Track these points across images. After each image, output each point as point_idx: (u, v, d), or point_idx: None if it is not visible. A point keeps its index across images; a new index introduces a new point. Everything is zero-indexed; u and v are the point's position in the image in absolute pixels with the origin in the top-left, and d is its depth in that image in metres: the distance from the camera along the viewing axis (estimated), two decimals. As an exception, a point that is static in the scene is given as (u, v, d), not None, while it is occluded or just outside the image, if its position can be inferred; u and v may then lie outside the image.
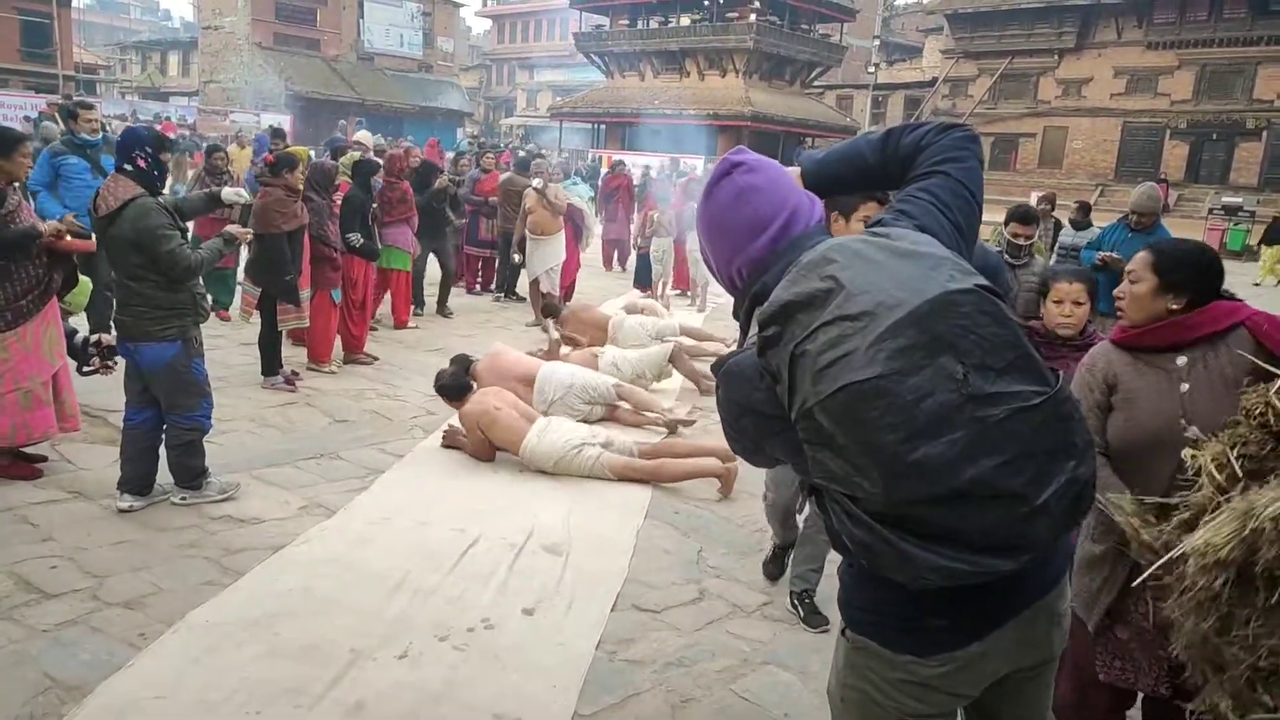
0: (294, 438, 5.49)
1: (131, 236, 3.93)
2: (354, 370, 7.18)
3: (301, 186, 6.43)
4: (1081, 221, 8.43)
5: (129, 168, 4.03)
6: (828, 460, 1.32)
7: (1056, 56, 35.31)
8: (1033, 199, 19.83)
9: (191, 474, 4.30)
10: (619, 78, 40.81)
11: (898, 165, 1.63)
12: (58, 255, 4.49)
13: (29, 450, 4.63)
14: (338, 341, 7.25)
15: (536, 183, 9.22)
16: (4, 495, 4.25)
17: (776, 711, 2.98)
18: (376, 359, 7.48)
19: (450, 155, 15.92)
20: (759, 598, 3.77)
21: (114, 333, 4.48)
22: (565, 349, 7.51)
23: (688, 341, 7.97)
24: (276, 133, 10.80)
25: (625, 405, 6.10)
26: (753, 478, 4.64)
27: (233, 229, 4.47)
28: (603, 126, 40.90)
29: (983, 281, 1.35)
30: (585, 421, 5.77)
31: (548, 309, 8.11)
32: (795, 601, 3.64)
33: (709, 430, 5.92)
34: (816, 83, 41.14)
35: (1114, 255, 6.33)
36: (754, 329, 1.46)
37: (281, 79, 39.95)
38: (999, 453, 1.24)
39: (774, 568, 3.98)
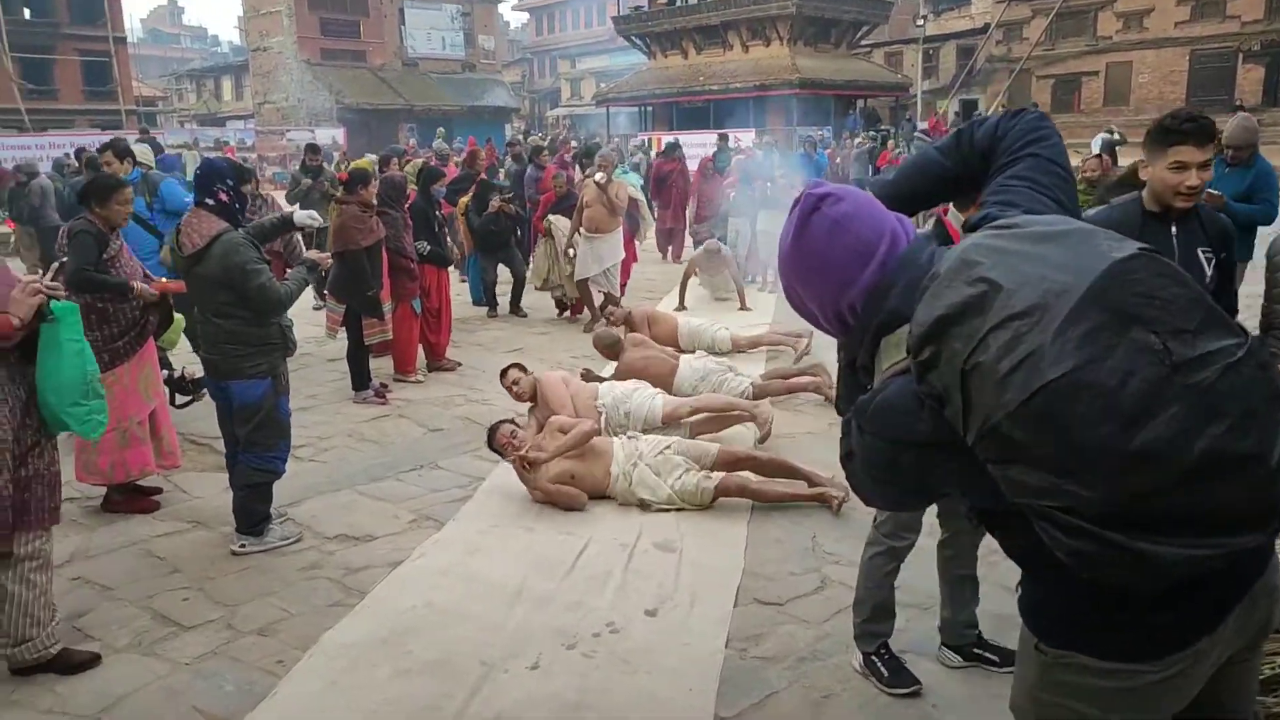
0: (391, 450, 5.55)
1: (219, 274, 3.84)
2: (439, 378, 7.24)
3: (375, 201, 6.49)
4: None
5: (210, 202, 3.95)
6: (1023, 475, 1.22)
7: (1115, -11, 33.94)
8: (1095, 145, 19.07)
9: (254, 519, 4.12)
10: (661, 58, 40.47)
11: (978, 162, 1.57)
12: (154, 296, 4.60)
13: (145, 484, 4.77)
14: (421, 351, 7.33)
15: (599, 176, 8.63)
16: (128, 530, 4.37)
17: (923, 703, 2.90)
18: (459, 364, 7.54)
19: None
20: (883, 582, 3.67)
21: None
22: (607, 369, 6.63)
23: (764, 345, 7.51)
24: (312, 148, 10.62)
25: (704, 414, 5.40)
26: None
27: (313, 255, 4.45)
28: (649, 108, 40.65)
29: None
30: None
31: (602, 340, 6.72)
32: (874, 659, 3.03)
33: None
34: (864, 42, 40.24)
35: (1214, 192, 6.02)
36: (886, 360, 1.39)
37: (331, 93, 40.59)
38: (1223, 417, 1.14)
39: (906, 674, 3.00)
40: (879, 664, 3.00)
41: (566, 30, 59.10)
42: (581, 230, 8.60)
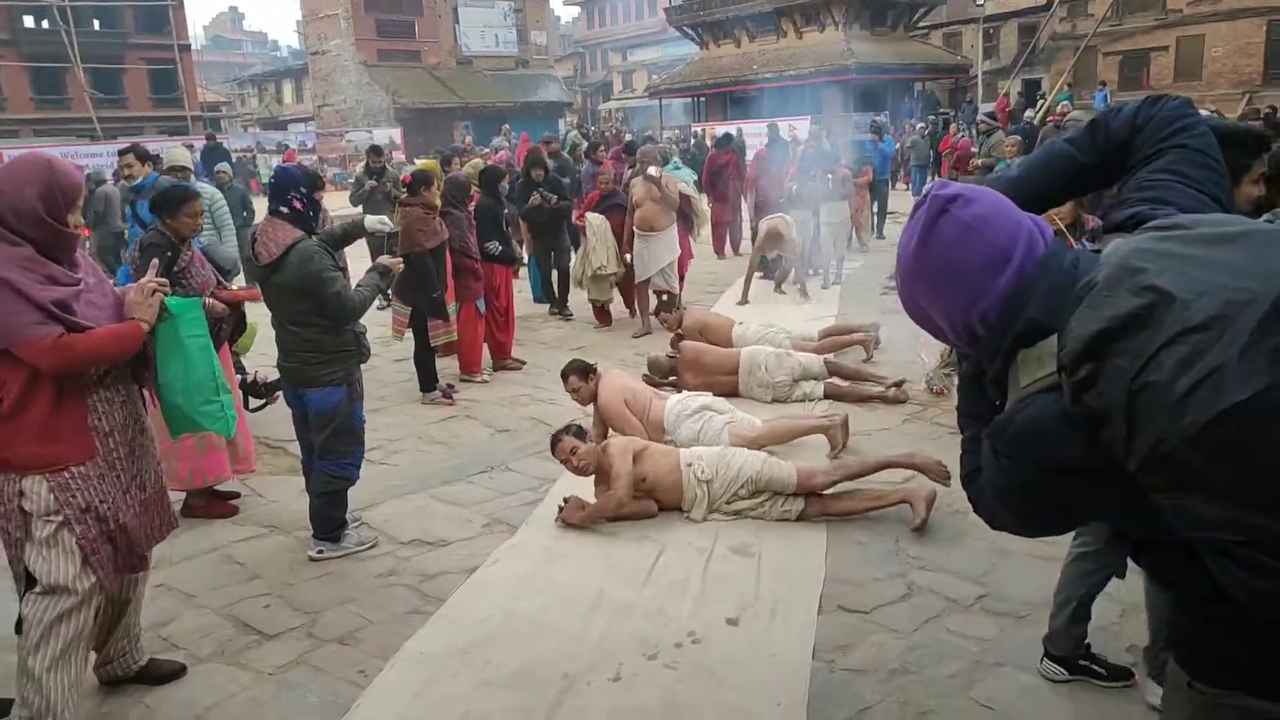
0: (461, 452, 5.54)
1: (296, 283, 3.84)
2: (505, 378, 7.23)
3: (439, 203, 6.49)
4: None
5: (285, 210, 3.93)
6: (1199, 506, 1.10)
7: (1185, -41, 32.65)
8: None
9: (331, 525, 4.13)
10: (714, 47, 40.14)
11: (1115, 155, 1.45)
12: (226, 304, 4.63)
13: (222, 488, 4.82)
14: (486, 350, 7.33)
15: (653, 170, 8.32)
16: (208, 535, 4.42)
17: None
18: (524, 363, 7.52)
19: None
20: (973, 589, 3.53)
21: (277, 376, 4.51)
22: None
23: (829, 351, 6.91)
24: (375, 149, 10.66)
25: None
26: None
27: (385, 260, 4.41)
28: (703, 99, 40.37)
29: None
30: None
31: (653, 367, 6.69)
32: (1084, 661, 2.94)
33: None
34: (921, 24, 39.38)
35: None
36: (1025, 376, 1.26)
37: (388, 93, 41.15)
38: None
39: (1120, 667, 2.96)
40: (1092, 665, 2.92)
41: (618, 23, 58.97)
42: (635, 230, 8.31)
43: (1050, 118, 16.75)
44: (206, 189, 6.78)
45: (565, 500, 4.38)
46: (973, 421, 1.46)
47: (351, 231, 4.57)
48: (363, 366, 4.25)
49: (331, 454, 4.05)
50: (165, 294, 2.90)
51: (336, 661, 3.26)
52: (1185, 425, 1.05)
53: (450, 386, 6.76)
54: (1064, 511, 1.33)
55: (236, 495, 4.87)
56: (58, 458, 2.65)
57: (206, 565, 4.10)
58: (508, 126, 22.94)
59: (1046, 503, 1.30)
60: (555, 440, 4.52)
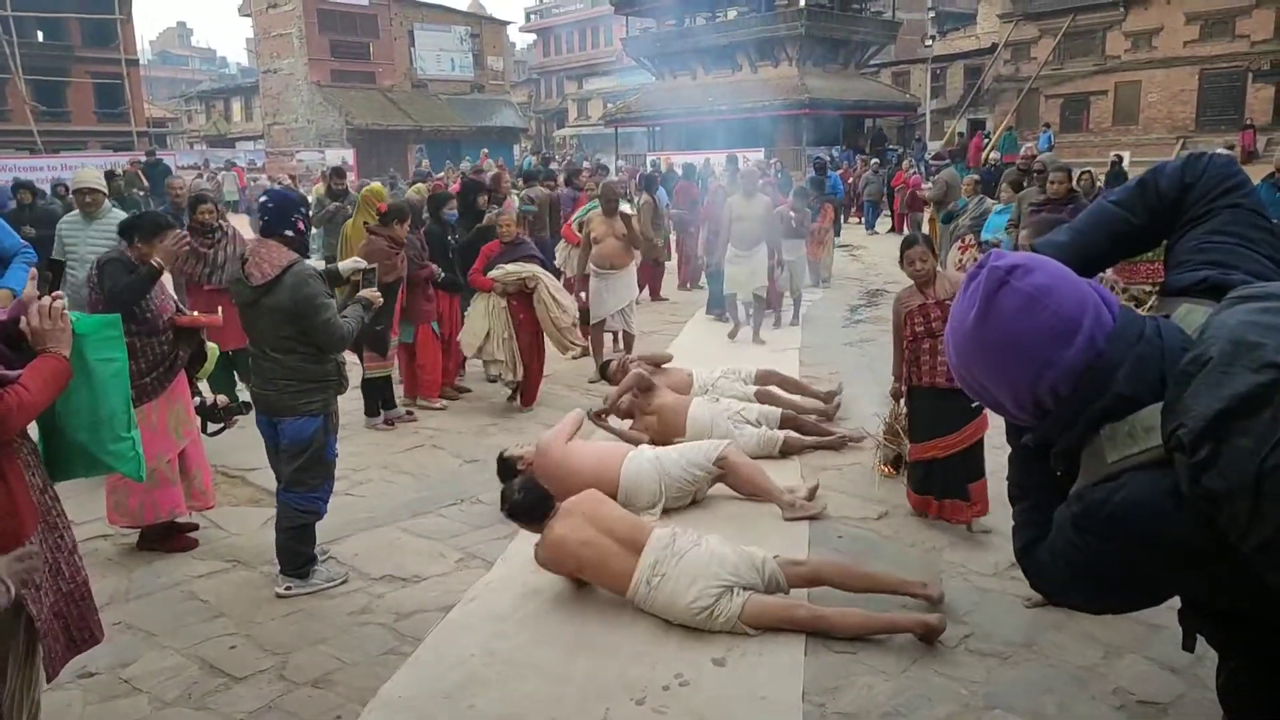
0: (429, 484, 5.42)
1: (289, 306, 3.72)
2: (470, 403, 7.12)
3: (404, 238, 6.38)
4: None
5: (289, 233, 3.85)
6: None
7: (1122, 9, 33.87)
8: (1111, 157, 18.85)
9: (299, 561, 3.98)
10: (670, 79, 40.58)
11: (1166, 214, 1.45)
12: (184, 331, 4.48)
13: (180, 521, 4.63)
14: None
15: (625, 208, 8.02)
16: (167, 570, 4.24)
17: (1021, 764, 2.75)
18: (470, 390, 7.42)
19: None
20: (958, 629, 3.53)
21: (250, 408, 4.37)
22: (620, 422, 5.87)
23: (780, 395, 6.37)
24: (338, 171, 10.44)
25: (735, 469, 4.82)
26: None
27: (367, 294, 4.26)
28: (658, 129, 40.71)
29: None
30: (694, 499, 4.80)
31: (607, 371, 6.43)
32: None
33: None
34: (872, 62, 40.31)
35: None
36: (1113, 452, 1.22)
37: (341, 114, 40.74)
38: None
39: None
40: None
41: (573, 51, 59.34)
42: (593, 267, 7.80)
43: (1014, 158, 17.17)
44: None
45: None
46: (1029, 493, 1.43)
47: (329, 276, 4.41)
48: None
49: (300, 485, 3.92)
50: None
51: (311, 706, 3.13)
52: None
53: (410, 412, 6.66)
54: (1148, 590, 1.30)
55: (195, 527, 4.68)
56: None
57: (167, 602, 3.93)
58: (486, 150, 22.83)
59: (1133, 582, 1.26)
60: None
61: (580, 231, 8.30)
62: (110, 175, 9.88)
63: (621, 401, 5.78)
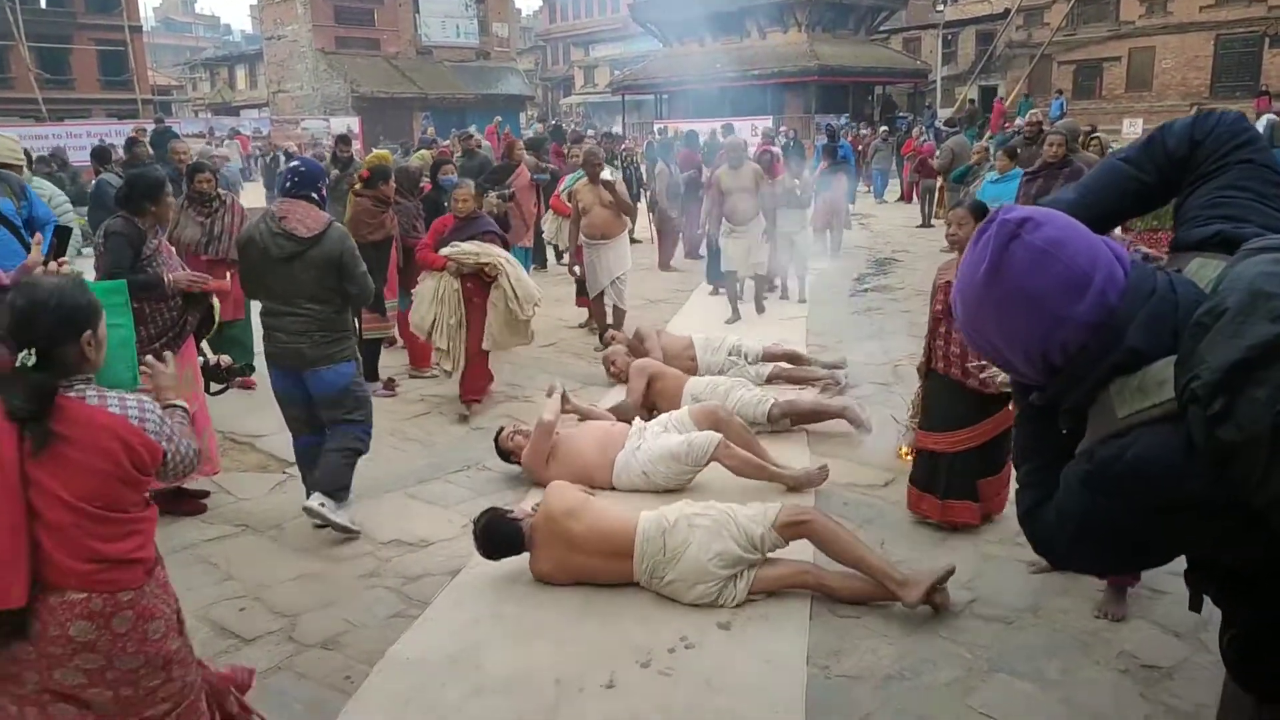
0: (437, 450, 5.44)
1: (336, 256, 4.04)
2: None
3: (392, 197, 6.50)
4: None
5: (315, 196, 4.16)
6: None
7: (1138, -28, 33.42)
8: (1124, 125, 18.47)
9: (340, 483, 4.16)
10: (678, 46, 40.14)
11: (1175, 171, 1.43)
12: (194, 297, 4.48)
13: (189, 485, 4.66)
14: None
15: (606, 174, 7.60)
16: (177, 533, 4.27)
17: (1025, 725, 2.77)
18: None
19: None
20: (962, 594, 3.54)
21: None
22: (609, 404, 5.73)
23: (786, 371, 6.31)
24: (342, 139, 10.37)
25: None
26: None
27: None
28: (665, 96, 40.36)
29: None
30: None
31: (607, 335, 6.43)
32: None
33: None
34: (882, 28, 39.81)
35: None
36: (1123, 407, 1.20)
37: (346, 82, 40.43)
38: None
39: None
40: None
41: (580, 17, 58.72)
42: (585, 238, 7.59)
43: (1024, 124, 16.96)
44: (45, 185, 6.43)
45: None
46: (1034, 454, 1.42)
47: None
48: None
49: (358, 423, 4.26)
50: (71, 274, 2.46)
51: (321, 667, 3.16)
52: None
53: (392, 381, 6.66)
54: (1156, 548, 1.29)
55: (206, 494, 4.71)
56: None
57: (177, 565, 3.90)
58: (499, 119, 22.51)
59: (1142, 539, 1.25)
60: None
61: (570, 202, 8.01)
62: (133, 142, 9.82)
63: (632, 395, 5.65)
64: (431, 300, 5.99)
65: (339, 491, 4.14)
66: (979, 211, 3.95)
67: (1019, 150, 9.36)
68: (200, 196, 5.97)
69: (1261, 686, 1.32)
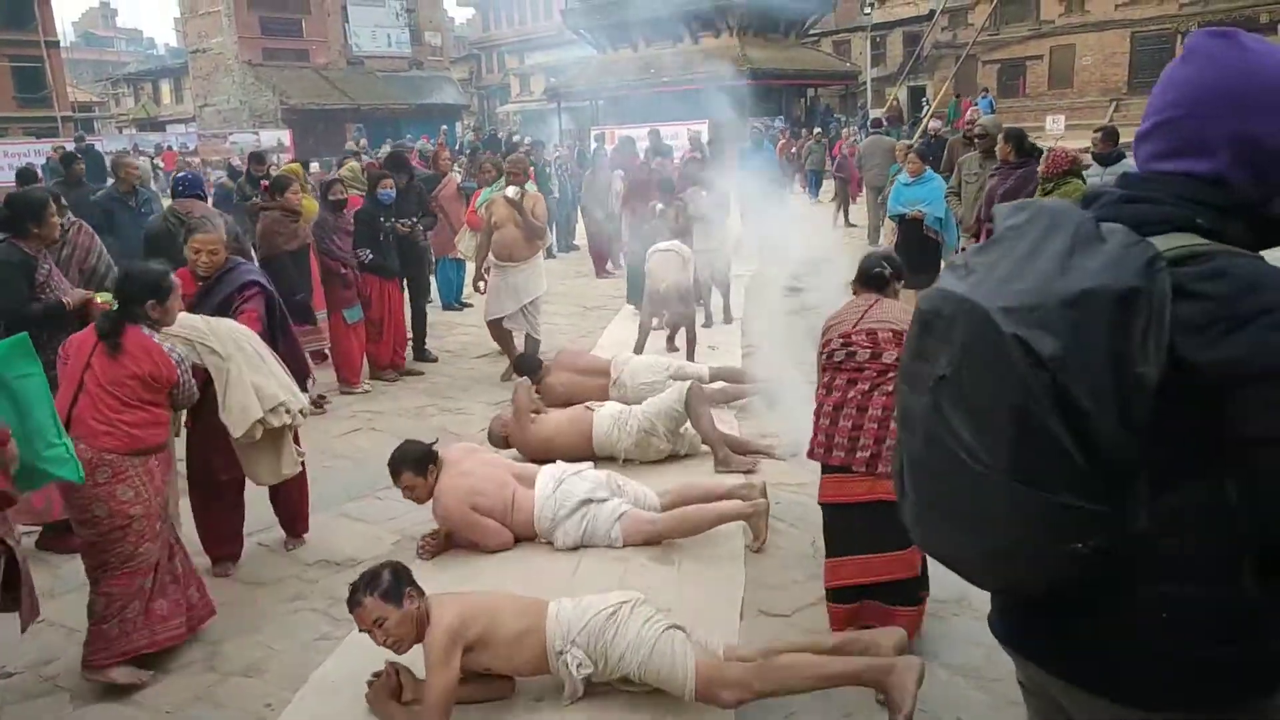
0: (368, 467, 5.34)
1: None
2: (410, 385, 7.05)
3: (299, 207, 6.59)
4: (1109, 154, 7.14)
5: (201, 194, 4.52)
6: None
7: (1056, -29, 34.45)
8: (1048, 123, 18.88)
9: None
10: (611, 52, 40.23)
11: None
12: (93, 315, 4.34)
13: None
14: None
15: (511, 191, 6.67)
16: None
17: (948, 716, 2.81)
18: (421, 373, 7.34)
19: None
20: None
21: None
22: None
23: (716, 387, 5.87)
24: (256, 157, 9.77)
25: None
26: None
27: None
28: (600, 103, 40.41)
29: None
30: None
31: (522, 365, 5.93)
32: None
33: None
34: (812, 31, 40.38)
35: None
36: None
37: (275, 94, 39.73)
38: None
39: None
40: None
41: (514, 25, 58.46)
42: (493, 259, 6.84)
43: (960, 124, 17.40)
44: None
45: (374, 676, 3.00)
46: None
47: None
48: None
49: None
50: None
51: (241, 695, 3.09)
52: None
53: (322, 397, 6.53)
54: None
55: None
56: None
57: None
58: (444, 128, 22.30)
59: None
60: (353, 601, 2.90)
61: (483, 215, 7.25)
62: (71, 158, 9.31)
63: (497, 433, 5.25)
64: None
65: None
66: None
67: (929, 155, 9.12)
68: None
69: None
